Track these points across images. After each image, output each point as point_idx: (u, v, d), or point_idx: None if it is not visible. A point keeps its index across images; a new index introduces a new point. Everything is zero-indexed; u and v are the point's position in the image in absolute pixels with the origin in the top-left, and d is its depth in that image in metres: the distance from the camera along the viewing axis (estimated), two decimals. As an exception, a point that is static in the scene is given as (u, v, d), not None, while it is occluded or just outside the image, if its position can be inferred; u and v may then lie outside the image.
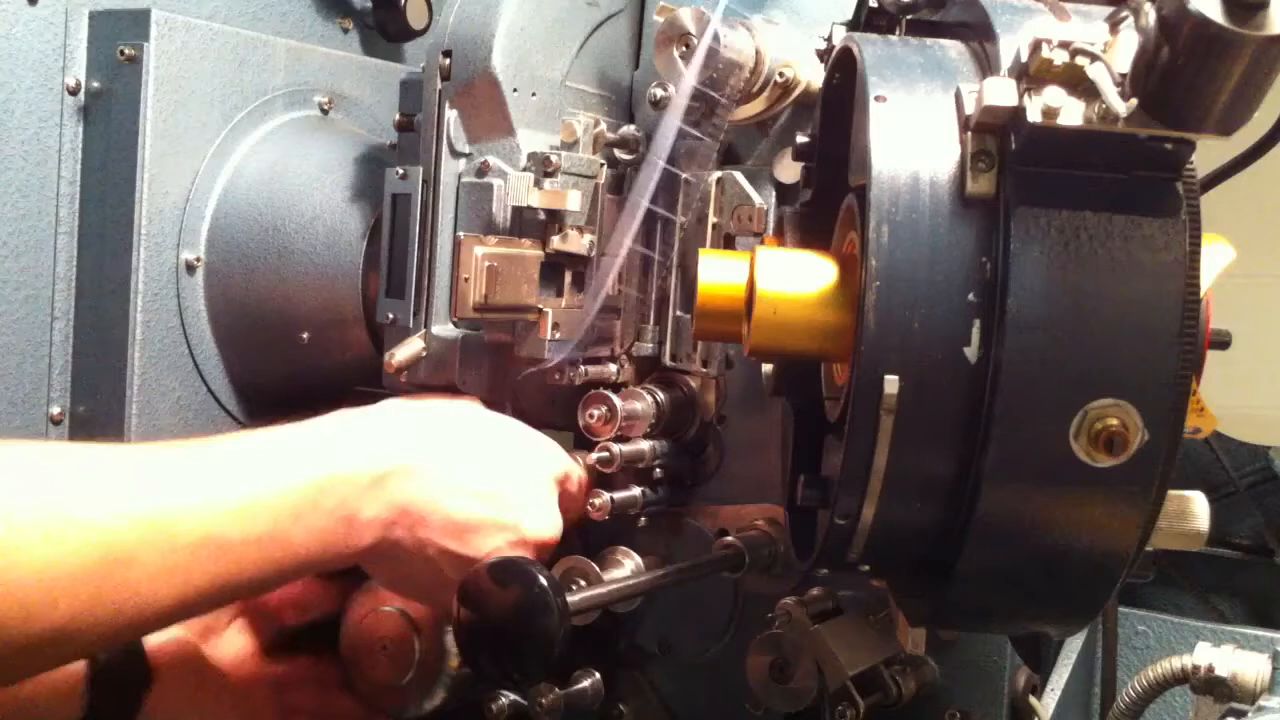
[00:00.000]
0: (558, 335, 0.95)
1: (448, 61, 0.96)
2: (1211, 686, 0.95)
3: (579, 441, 1.00)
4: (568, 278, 0.98)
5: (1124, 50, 0.60)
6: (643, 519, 1.01)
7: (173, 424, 1.06)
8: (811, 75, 0.96)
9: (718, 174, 0.99)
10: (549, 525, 0.88)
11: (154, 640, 0.93)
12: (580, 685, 1.05)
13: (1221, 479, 1.45)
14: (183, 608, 0.74)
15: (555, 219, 0.95)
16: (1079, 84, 0.61)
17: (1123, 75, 0.60)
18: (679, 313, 1.02)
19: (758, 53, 0.94)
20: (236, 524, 0.75)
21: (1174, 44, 0.56)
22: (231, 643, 1.02)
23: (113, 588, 0.68)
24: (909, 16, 0.78)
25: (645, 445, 0.99)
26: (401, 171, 0.97)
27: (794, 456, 0.87)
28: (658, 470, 1.01)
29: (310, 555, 0.79)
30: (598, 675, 1.06)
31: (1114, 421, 0.63)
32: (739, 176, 0.99)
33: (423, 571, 0.85)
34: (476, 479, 0.86)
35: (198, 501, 0.73)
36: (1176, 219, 0.65)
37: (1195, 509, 0.75)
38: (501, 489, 0.87)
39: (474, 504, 0.85)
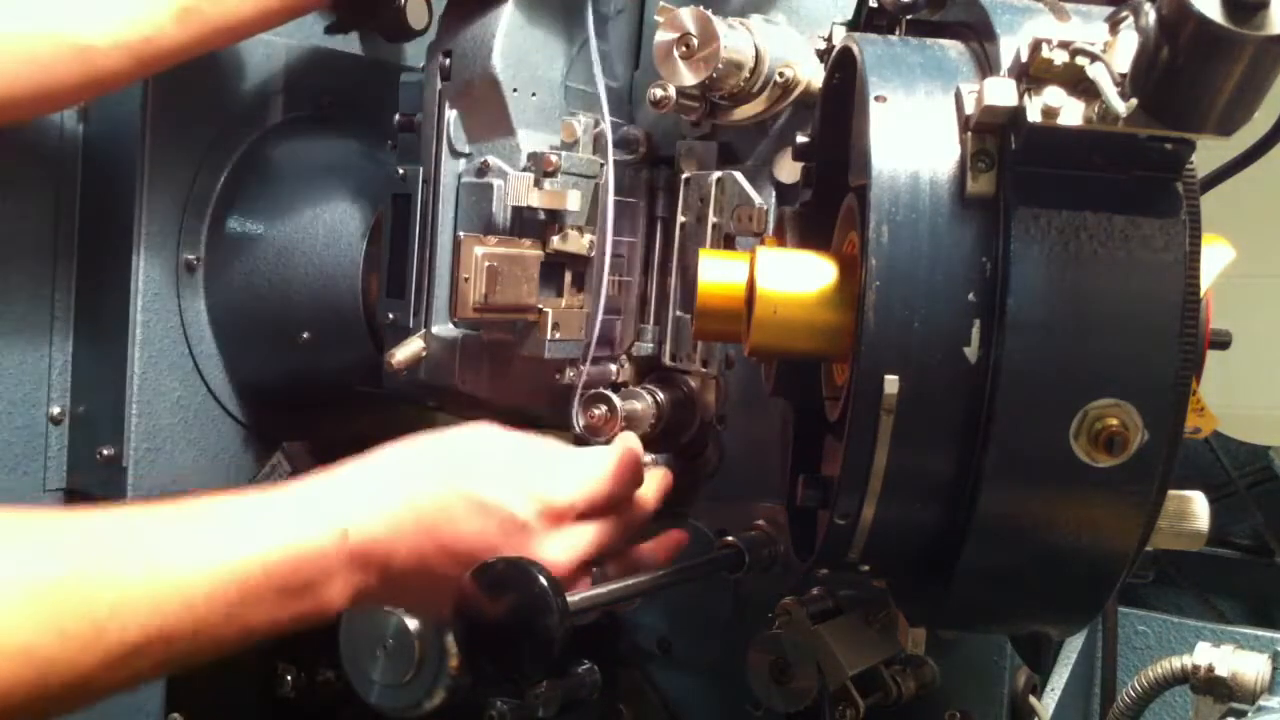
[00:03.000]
0: (558, 335, 0.95)
1: (448, 61, 0.96)
2: (1211, 686, 0.95)
3: (579, 442, 1.00)
4: (568, 278, 0.98)
5: (1124, 50, 0.60)
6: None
7: (172, 424, 1.07)
8: (811, 75, 0.96)
9: (718, 174, 0.99)
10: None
11: None
12: (576, 676, 1.05)
13: (1221, 479, 1.45)
14: (127, 689, 0.71)
15: (555, 219, 0.95)
16: (1079, 84, 0.61)
17: (1123, 75, 0.60)
18: (679, 313, 1.02)
19: (758, 52, 0.94)
20: (188, 620, 0.70)
21: (1174, 44, 0.56)
22: None
23: (43, 687, 0.65)
24: (909, 16, 0.78)
25: (649, 459, 0.99)
26: (401, 171, 0.98)
27: (794, 456, 0.87)
28: None
29: (272, 631, 0.76)
30: (594, 667, 1.06)
31: (1114, 421, 0.63)
32: (739, 176, 0.99)
33: (421, 600, 0.84)
34: (449, 536, 0.81)
35: (145, 603, 0.69)
36: (1176, 219, 0.65)
37: (1195, 509, 0.75)
38: (478, 535, 0.82)
39: (449, 558, 0.80)
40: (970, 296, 0.64)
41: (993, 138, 0.65)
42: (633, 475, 0.88)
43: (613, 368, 1.02)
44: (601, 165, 0.98)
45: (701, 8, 0.92)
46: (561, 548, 0.84)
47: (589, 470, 0.87)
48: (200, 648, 0.72)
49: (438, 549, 0.81)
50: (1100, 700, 1.25)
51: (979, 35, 0.71)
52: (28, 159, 1.00)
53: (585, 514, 0.86)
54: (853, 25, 0.84)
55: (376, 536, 0.79)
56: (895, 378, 0.64)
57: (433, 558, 0.81)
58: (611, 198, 0.98)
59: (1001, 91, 0.63)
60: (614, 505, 0.88)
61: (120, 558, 0.70)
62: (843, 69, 0.79)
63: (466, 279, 0.91)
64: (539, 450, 0.89)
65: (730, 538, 0.95)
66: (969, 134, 0.65)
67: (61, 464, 1.05)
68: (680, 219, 1.01)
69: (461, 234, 0.94)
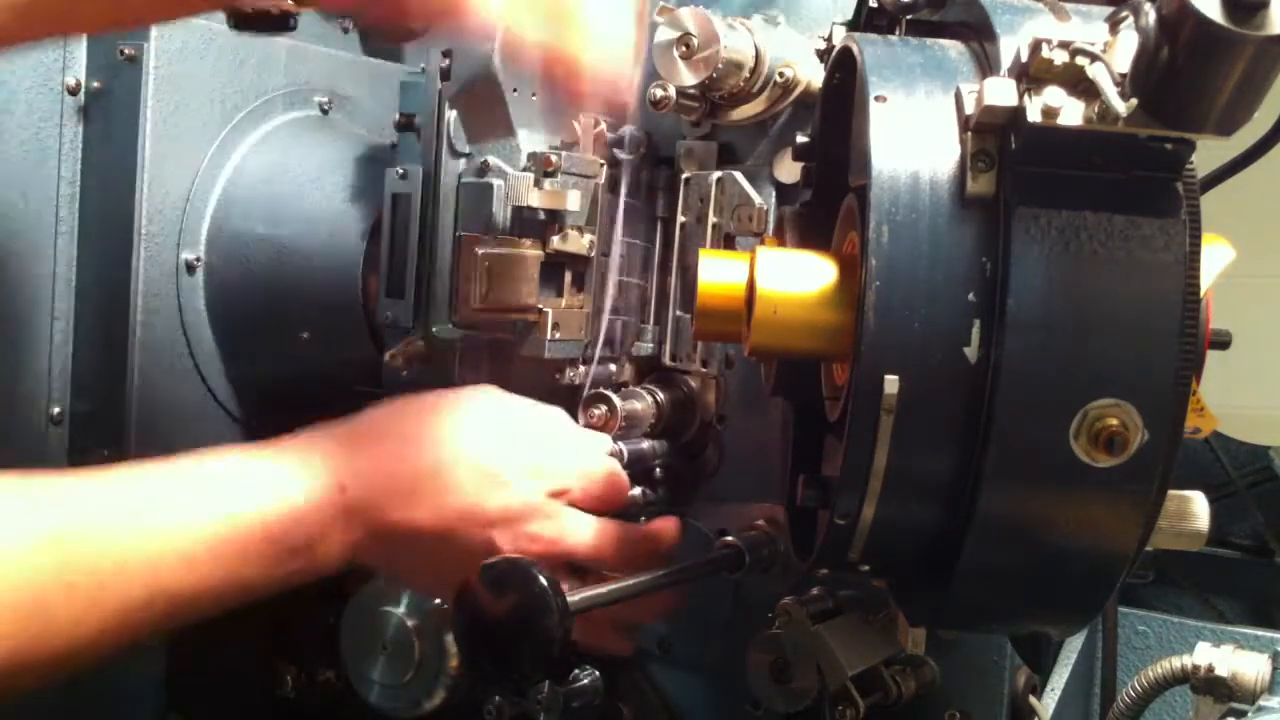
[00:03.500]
0: (558, 335, 0.95)
1: (447, 62, 0.96)
2: (1211, 686, 0.95)
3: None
4: (568, 278, 0.98)
5: (1124, 50, 0.60)
6: (642, 518, 1.01)
7: (172, 424, 1.06)
8: (811, 75, 0.96)
9: (718, 174, 0.99)
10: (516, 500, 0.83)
11: None
12: (579, 683, 1.05)
13: (1221, 479, 1.45)
14: (130, 642, 0.71)
15: (555, 219, 0.95)
16: (1079, 84, 0.61)
17: (1123, 75, 0.60)
18: (679, 313, 1.02)
19: (758, 52, 0.94)
20: (189, 576, 0.71)
21: (1174, 44, 0.56)
22: None
23: (48, 642, 0.65)
24: (909, 16, 0.78)
25: (646, 445, 0.99)
26: (401, 171, 0.98)
27: (794, 456, 0.87)
28: (658, 470, 1.01)
29: (269, 588, 0.76)
30: (596, 673, 1.06)
31: (1114, 421, 0.63)
32: (739, 176, 0.99)
33: (414, 567, 0.84)
34: (446, 495, 0.82)
35: (147, 558, 0.69)
36: (1176, 219, 0.65)
37: (1195, 509, 0.75)
38: (474, 498, 0.82)
39: (443, 519, 0.81)
40: (970, 296, 0.64)
41: (993, 138, 0.65)
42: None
43: (613, 368, 1.02)
44: (602, 165, 0.98)
45: (701, 8, 0.92)
46: (555, 525, 0.84)
47: (589, 457, 0.88)
48: (200, 604, 0.73)
49: (434, 511, 0.81)
50: (1100, 700, 1.25)
51: (979, 35, 0.71)
52: (27, 158, 1.00)
53: (580, 499, 0.87)
54: (853, 25, 0.84)
55: (374, 493, 0.79)
56: (895, 378, 0.64)
57: (428, 520, 0.81)
58: (623, 199, 0.98)
59: (1001, 91, 0.63)
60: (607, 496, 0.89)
61: (121, 513, 0.70)
62: (843, 69, 0.79)
63: (467, 279, 0.91)
64: (542, 421, 0.89)
65: (730, 538, 0.95)
66: (969, 134, 0.65)
67: (61, 464, 1.05)
68: (680, 219, 1.01)
69: (461, 234, 0.94)
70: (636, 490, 0.99)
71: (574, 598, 0.75)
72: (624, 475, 0.92)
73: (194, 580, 0.71)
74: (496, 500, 0.83)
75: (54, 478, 0.72)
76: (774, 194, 0.99)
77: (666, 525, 0.94)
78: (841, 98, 0.80)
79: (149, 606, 0.70)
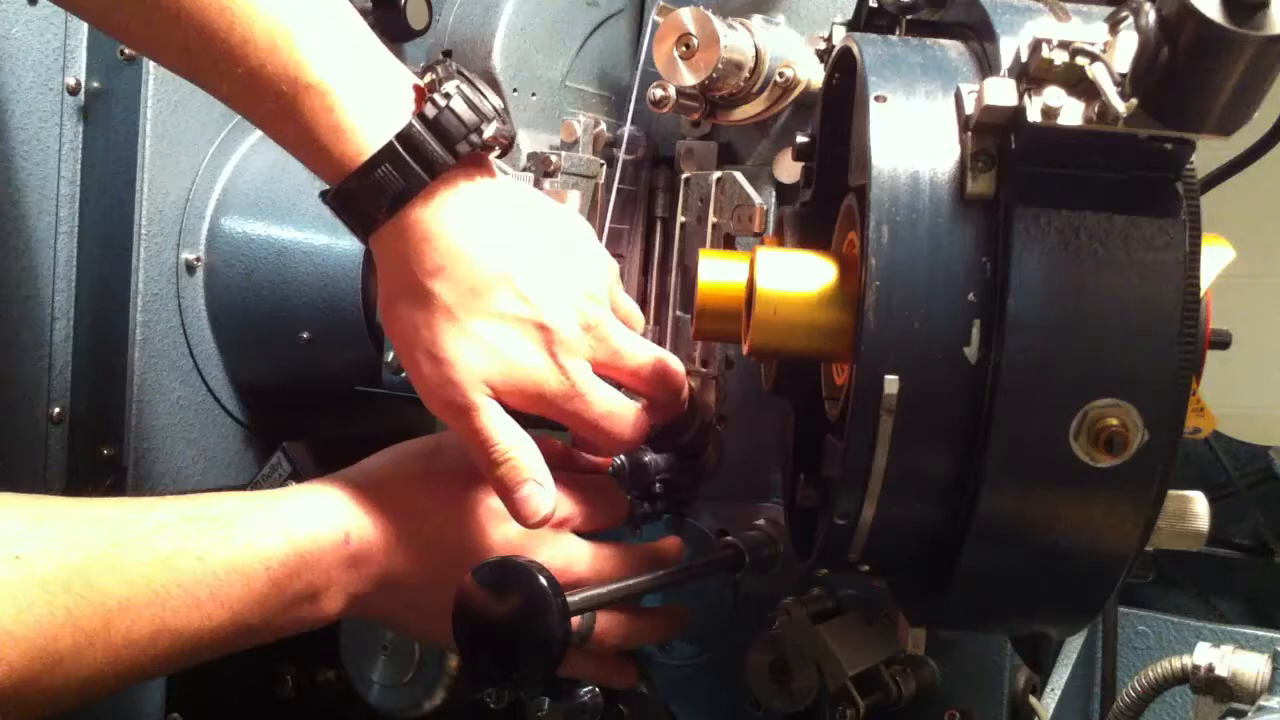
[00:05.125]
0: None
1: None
2: (1211, 686, 0.95)
3: (578, 441, 1.00)
4: (568, 278, 0.97)
5: (1124, 50, 0.60)
6: (639, 532, 1.01)
7: (172, 424, 1.07)
8: (811, 75, 0.96)
9: (718, 174, 0.99)
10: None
11: None
12: (579, 700, 1.04)
13: (1221, 479, 1.45)
14: (131, 684, 0.71)
15: (555, 219, 0.95)
16: (1079, 84, 0.61)
17: (1123, 75, 0.59)
18: (679, 313, 1.02)
19: (758, 52, 0.94)
20: (194, 615, 0.71)
21: (1174, 44, 0.56)
22: None
23: (50, 677, 0.65)
24: (909, 16, 0.78)
25: (648, 459, 0.99)
26: (401, 171, 0.97)
27: (794, 456, 0.87)
28: (657, 485, 1.01)
29: (271, 634, 0.76)
30: (596, 690, 1.05)
31: (1114, 421, 0.63)
32: (739, 176, 0.99)
33: (420, 612, 0.84)
34: (446, 534, 0.82)
35: (154, 596, 0.69)
36: (1176, 219, 0.65)
37: (1195, 509, 0.75)
38: (475, 534, 0.83)
39: (447, 557, 0.81)
40: (970, 296, 0.64)
41: (993, 138, 0.65)
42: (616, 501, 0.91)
43: (613, 368, 1.02)
44: (602, 165, 0.99)
45: (701, 8, 0.92)
46: (560, 554, 0.85)
47: (584, 482, 0.88)
48: (202, 646, 0.73)
49: (436, 551, 0.81)
50: (1100, 700, 1.24)
51: (979, 35, 0.71)
52: (27, 158, 1.00)
53: (580, 525, 0.87)
54: (853, 25, 0.84)
55: (376, 541, 0.79)
56: (895, 378, 0.64)
57: (431, 561, 0.81)
58: (614, 197, 0.98)
59: (1002, 91, 0.63)
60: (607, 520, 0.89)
61: (129, 551, 0.70)
62: (843, 69, 0.79)
63: (466, 279, 0.91)
64: None
65: (730, 538, 0.95)
66: (969, 134, 0.65)
67: (61, 464, 1.05)
68: (680, 219, 1.01)
69: (461, 234, 0.93)
70: None
71: (574, 598, 0.75)
72: (622, 495, 0.92)
73: (199, 620, 0.71)
74: (498, 534, 0.83)
75: (65, 509, 0.71)
76: (774, 194, 0.99)
77: (669, 544, 0.94)
78: (841, 98, 0.80)
79: (152, 645, 0.69)
